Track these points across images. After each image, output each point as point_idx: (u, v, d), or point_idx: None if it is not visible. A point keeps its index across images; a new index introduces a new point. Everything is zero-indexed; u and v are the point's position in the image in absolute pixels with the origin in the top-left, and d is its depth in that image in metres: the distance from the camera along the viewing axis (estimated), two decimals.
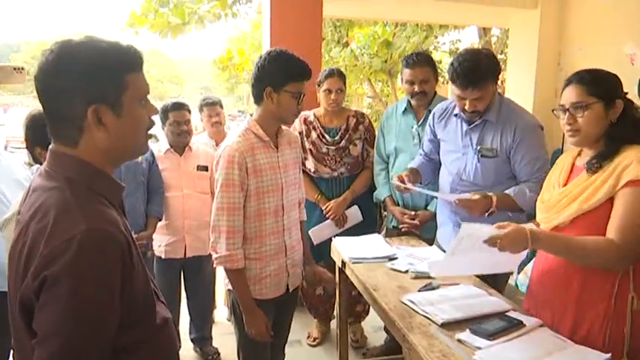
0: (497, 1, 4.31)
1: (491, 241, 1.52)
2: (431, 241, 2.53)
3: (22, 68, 1.86)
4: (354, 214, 2.94)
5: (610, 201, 1.50)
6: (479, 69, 2.02)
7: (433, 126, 2.43)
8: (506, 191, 2.12)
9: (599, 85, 1.58)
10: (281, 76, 1.87)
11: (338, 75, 2.90)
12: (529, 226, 1.56)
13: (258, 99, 1.94)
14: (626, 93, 1.63)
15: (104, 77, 0.98)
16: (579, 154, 1.70)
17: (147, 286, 1.06)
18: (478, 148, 2.20)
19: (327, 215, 2.91)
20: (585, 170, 1.60)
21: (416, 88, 2.68)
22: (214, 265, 1.98)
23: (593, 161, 1.57)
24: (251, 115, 2.05)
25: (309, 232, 2.88)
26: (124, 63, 1.02)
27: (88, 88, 0.97)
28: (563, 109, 1.62)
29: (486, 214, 2.06)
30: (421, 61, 2.67)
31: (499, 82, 9.11)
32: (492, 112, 2.16)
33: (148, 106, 1.08)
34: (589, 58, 3.98)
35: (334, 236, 2.60)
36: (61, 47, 0.98)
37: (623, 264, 1.49)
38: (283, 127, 2.06)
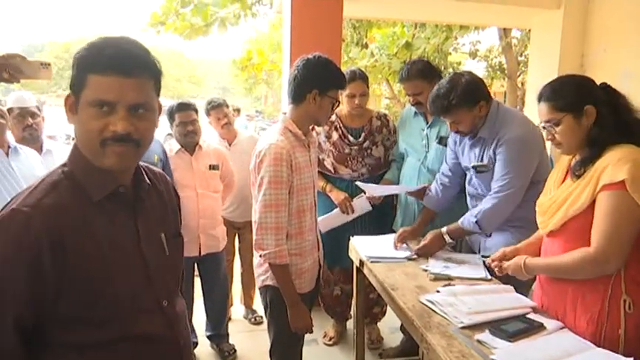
0: (518, 1, 4.27)
1: (495, 265, 1.80)
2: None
3: (49, 64, 1.87)
4: (362, 204, 2.86)
5: (593, 206, 1.53)
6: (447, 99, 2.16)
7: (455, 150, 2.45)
8: (459, 221, 2.28)
9: (562, 98, 1.60)
10: (329, 81, 1.96)
11: (360, 78, 2.85)
12: (524, 258, 1.73)
13: (299, 98, 1.97)
14: (607, 86, 1.63)
15: (73, 72, 1.02)
16: (575, 156, 1.71)
17: (110, 286, 1.04)
18: (473, 165, 2.28)
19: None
20: (570, 177, 1.63)
21: (411, 99, 2.74)
22: (262, 262, 2.00)
23: (577, 167, 1.61)
24: (284, 113, 2.07)
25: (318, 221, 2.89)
26: (87, 60, 1.01)
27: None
28: (542, 127, 1.68)
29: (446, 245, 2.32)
30: (411, 75, 2.67)
31: (519, 85, 8.98)
32: (485, 129, 2.21)
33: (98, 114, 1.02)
34: (613, 59, 3.92)
35: (351, 235, 2.59)
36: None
37: (604, 269, 1.51)
38: None
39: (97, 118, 1.00)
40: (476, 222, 2.20)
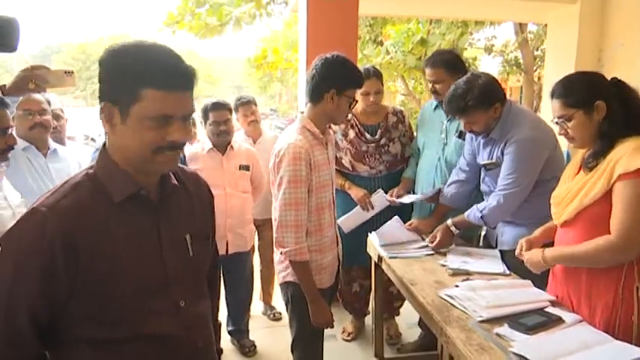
0: None
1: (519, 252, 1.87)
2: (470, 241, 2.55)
3: (72, 72, 1.94)
4: (380, 200, 2.87)
5: (607, 195, 1.57)
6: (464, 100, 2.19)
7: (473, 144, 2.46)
8: (464, 214, 2.36)
9: (573, 95, 1.66)
10: (346, 80, 1.98)
11: (375, 75, 2.87)
12: (541, 250, 1.78)
13: (317, 97, 2.00)
14: (617, 81, 1.67)
15: (119, 82, 1.03)
16: (588, 150, 1.75)
17: (121, 287, 1.05)
18: (483, 163, 2.34)
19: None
20: (583, 169, 1.68)
21: (430, 87, 2.77)
22: (282, 259, 2.03)
23: (589, 160, 1.66)
24: (301, 112, 2.11)
25: (338, 222, 2.90)
26: (141, 74, 1.01)
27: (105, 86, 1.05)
28: (555, 122, 1.73)
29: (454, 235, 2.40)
30: (435, 62, 2.71)
31: (536, 80, 8.87)
32: (496, 129, 2.24)
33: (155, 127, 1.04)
34: (631, 53, 3.88)
35: (370, 232, 2.62)
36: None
37: (625, 257, 1.55)
38: None
39: (155, 129, 1.02)
40: (481, 217, 2.27)
